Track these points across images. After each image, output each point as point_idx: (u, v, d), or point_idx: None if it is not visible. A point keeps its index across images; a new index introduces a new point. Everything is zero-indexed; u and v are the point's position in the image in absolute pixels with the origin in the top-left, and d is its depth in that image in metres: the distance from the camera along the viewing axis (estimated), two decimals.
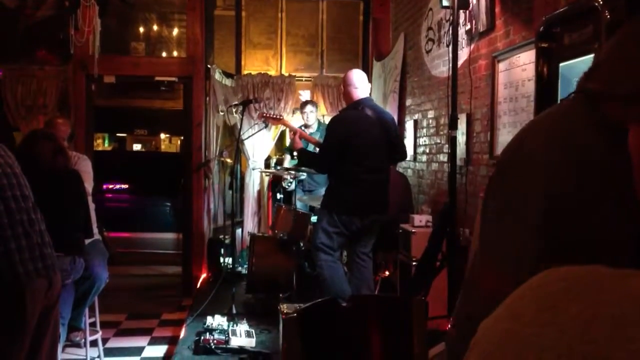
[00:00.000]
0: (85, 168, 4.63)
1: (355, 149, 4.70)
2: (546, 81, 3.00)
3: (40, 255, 2.75)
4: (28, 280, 2.65)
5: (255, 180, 7.80)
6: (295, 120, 7.45)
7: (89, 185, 4.55)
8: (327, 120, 7.81)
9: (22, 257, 2.64)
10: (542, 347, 0.51)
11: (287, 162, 7.25)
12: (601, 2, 2.45)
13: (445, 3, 4.62)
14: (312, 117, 6.98)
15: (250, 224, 7.68)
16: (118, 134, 17.80)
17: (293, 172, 6.54)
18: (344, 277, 4.94)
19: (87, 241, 4.25)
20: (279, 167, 6.94)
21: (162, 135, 18.59)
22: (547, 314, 0.54)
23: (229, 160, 8.74)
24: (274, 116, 5.68)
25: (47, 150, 3.81)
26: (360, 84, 4.90)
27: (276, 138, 8.01)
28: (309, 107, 6.96)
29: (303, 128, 6.92)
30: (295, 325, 1.59)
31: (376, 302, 1.99)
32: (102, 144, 16.87)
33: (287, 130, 5.40)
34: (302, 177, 6.82)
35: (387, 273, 6.39)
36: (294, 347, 1.57)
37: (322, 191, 6.69)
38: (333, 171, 4.89)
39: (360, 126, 4.76)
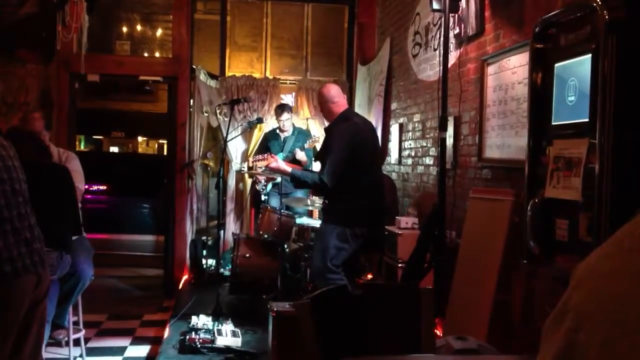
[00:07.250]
0: (75, 167, 4.53)
1: (367, 158, 4.69)
2: (541, 81, 3.05)
3: (28, 251, 2.71)
4: (16, 277, 2.62)
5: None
6: (270, 123, 7.51)
7: (80, 184, 4.47)
8: (310, 123, 7.83)
9: (10, 255, 2.60)
10: None
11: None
12: (600, 3, 2.50)
13: (435, 6, 4.67)
14: (288, 124, 7.06)
15: (232, 226, 7.65)
16: (95, 136, 17.62)
17: (267, 173, 6.53)
18: None
19: (73, 238, 4.19)
20: (262, 169, 6.91)
21: (140, 138, 18.45)
22: None
23: (211, 164, 8.70)
24: (262, 159, 5.76)
25: (28, 149, 3.74)
26: (341, 96, 4.87)
27: (259, 141, 7.98)
28: (285, 115, 6.98)
29: (277, 132, 7.11)
30: (308, 310, 1.60)
31: (386, 290, 2.00)
32: (79, 145, 16.67)
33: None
34: (278, 181, 6.80)
35: (370, 276, 6.41)
36: (307, 331, 1.57)
37: (298, 193, 6.70)
38: (344, 184, 4.54)
39: (366, 135, 4.78)
